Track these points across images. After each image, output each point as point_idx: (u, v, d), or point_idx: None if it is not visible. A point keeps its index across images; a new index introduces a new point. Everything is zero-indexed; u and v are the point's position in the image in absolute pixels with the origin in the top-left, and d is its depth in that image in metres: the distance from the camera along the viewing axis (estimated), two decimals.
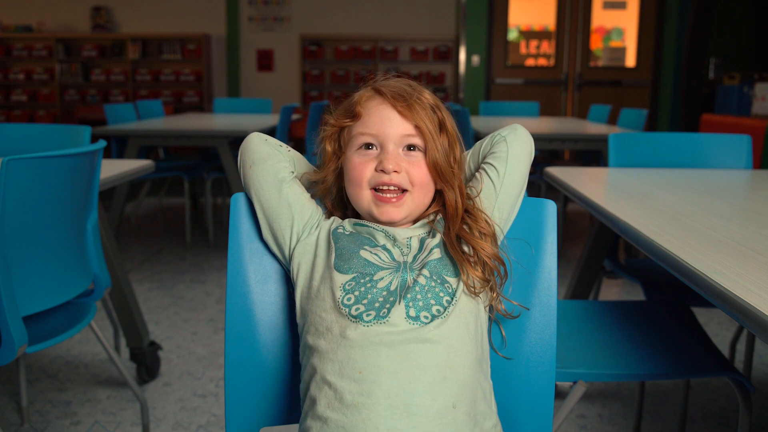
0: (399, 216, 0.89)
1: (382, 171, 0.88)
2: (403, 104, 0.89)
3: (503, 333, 0.94)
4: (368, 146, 0.90)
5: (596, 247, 1.91)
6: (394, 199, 0.89)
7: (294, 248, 0.91)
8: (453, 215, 0.89)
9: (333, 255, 0.86)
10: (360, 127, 0.91)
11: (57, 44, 6.95)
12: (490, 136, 0.97)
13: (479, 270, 0.85)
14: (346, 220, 0.93)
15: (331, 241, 0.88)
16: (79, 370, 2.25)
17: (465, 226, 0.89)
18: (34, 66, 7.06)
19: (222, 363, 1.96)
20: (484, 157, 0.95)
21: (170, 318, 2.76)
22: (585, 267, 1.94)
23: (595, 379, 1.28)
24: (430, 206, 0.94)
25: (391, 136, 0.89)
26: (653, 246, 1.02)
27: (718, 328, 2.67)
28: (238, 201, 0.98)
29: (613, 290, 3.19)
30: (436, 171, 0.90)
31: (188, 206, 3.99)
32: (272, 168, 0.92)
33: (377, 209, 0.89)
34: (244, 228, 0.97)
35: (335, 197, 0.98)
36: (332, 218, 0.94)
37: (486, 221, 0.90)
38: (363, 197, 0.90)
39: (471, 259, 0.86)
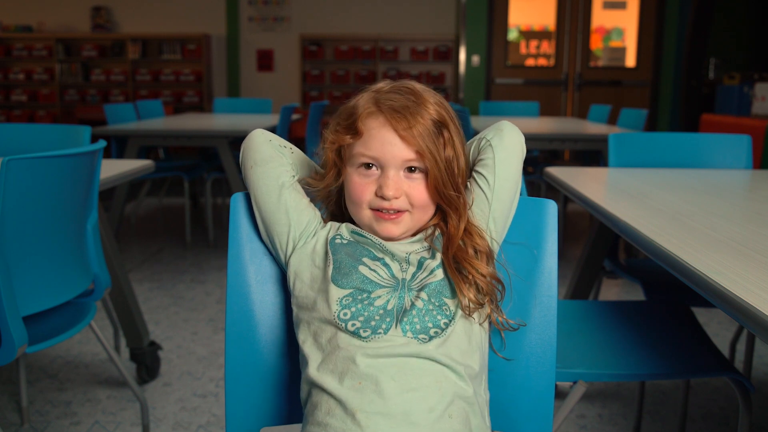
0: (398, 232, 0.89)
1: (382, 197, 0.87)
2: (405, 126, 0.86)
3: (503, 334, 0.94)
4: (369, 166, 0.89)
5: (596, 247, 1.91)
6: (393, 217, 0.88)
7: (290, 256, 0.91)
8: (453, 236, 0.88)
9: (331, 267, 0.86)
10: (360, 147, 0.88)
11: (57, 44, 6.94)
12: (477, 138, 0.94)
13: (472, 293, 0.85)
14: (344, 225, 0.92)
15: (329, 252, 0.87)
16: (79, 370, 2.25)
17: (460, 242, 0.88)
18: (34, 66, 7.06)
19: (222, 363, 1.96)
20: (473, 163, 0.94)
21: (170, 318, 2.75)
22: (585, 267, 1.94)
23: (595, 379, 1.28)
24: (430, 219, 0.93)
25: (391, 160, 0.87)
26: (653, 246, 1.02)
27: (718, 328, 2.67)
28: (238, 201, 0.97)
29: (613, 290, 3.19)
30: (438, 194, 0.88)
31: (188, 206, 3.99)
32: (273, 171, 0.92)
33: (377, 225, 0.89)
34: (244, 228, 0.97)
35: (334, 201, 0.97)
36: (329, 225, 0.93)
37: (480, 236, 0.89)
38: (363, 216, 0.90)
39: (466, 281, 0.85)
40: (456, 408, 0.78)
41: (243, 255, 0.96)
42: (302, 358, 0.85)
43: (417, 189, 0.88)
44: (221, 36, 7.02)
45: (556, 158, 5.26)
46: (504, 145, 0.91)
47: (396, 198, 0.87)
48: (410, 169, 0.88)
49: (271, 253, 0.96)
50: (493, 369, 0.92)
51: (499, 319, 0.90)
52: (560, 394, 1.96)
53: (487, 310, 0.87)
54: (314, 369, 0.81)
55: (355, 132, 0.89)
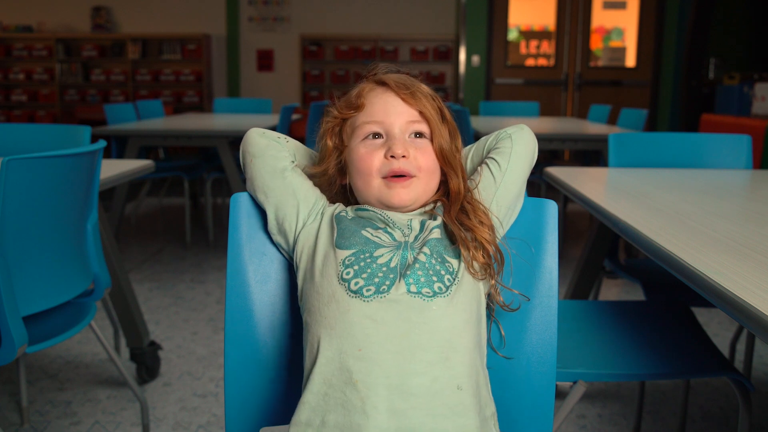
0: (409, 198, 0.89)
1: (392, 157, 0.88)
2: (406, 92, 0.90)
3: (502, 333, 0.94)
4: (374, 136, 0.90)
5: (596, 247, 1.91)
6: (403, 180, 0.89)
7: (299, 233, 0.91)
8: (455, 199, 0.90)
9: (335, 234, 0.86)
10: (364, 116, 0.91)
11: (57, 44, 6.94)
12: (496, 133, 0.97)
13: (479, 253, 0.85)
14: (349, 207, 0.93)
15: (334, 224, 0.88)
16: (79, 370, 2.25)
17: (465, 216, 0.89)
18: (34, 66, 7.05)
19: (222, 363, 1.96)
20: (488, 152, 0.96)
21: (170, 318, 2.75)
22: (585, 267, 1.94)
23: (595, 379, 1.28)
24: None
25: (396, 122, 0.90)
26: (653, 246, 1.02)
27: (718, 328, 2.67)
28: (238, 201, 0.97)
29: (613, 290, 3.19)
30: (442, 156, 0.91)
31: (188, 206, 3.99)
32: (272, 159, 0.93)
33: (389, 192, 0.89)
34: (244, 228, 0.97)
35: (335, 192, 0.97)
36: (337, 204, 0.94)
37: (484, 212, 0.90)
38: (373, 186, 0.90)
39: (471, 244, 0.86)
40: (465, 381, 0.77)
41: (243, 255, 0.96)
42: (305, 331, 0.84)
43: (424, 152, 0.90)
44: (221, 36, 7.02)
45: (556, 158, 5.26)
46: (523, 141, 0.94)
47: (405, 157, 0.88)
48: (415, 135, 0.91)
49: (275, 246, 0.95)
50: (493, 368, 0.92)
51: (499, 298, 0.89)
52: (560, 394, 1.96)
53: (490, 281, 0.87)
54: (315, 337, 0.80)
55: (357, 107, 0.92)
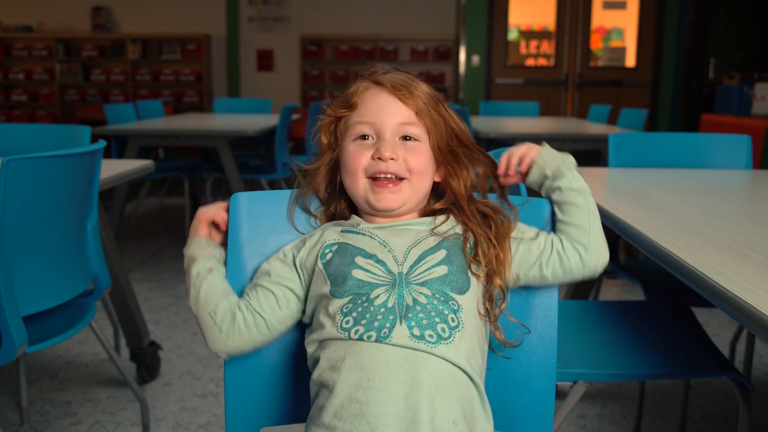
0: (397, 203, 0.88)
1: (379, 159, 0.87)
2: (404, 92, 0.88)
3: (503, 337, 0.94)
4: (365, 137, 0.89)
5: None
6: (391, 185, 0.87)
7: (306, 305, 0.90)
8: (461, 198, 0.89)
9: (328, 284, 0.84)
10: (357, 116, 0.90)
11: (57, 44, 6.94)
12: (585, 237, 0.91)
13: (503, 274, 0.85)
14: (330, 228, 0.91)
15: (323, 272, 0.85)
16: (79, 370, 2.25)
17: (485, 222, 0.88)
18: (34, 66, 7.05)
19: (222, 363, 1.96)
20: (562, 232, 0.91)
21: (170, 318, 2.75)
22: None
23: (595, 379, 1.28)
24: (438, 202, 0.92)
25: (388, 123, 0.88)
26: (653, 246, 1.02)
27: (718, 328, 2.67)
28: (238, 201, 0.97)
29: (613, 290, 3.19)
30: (441, 154, 0.89)
31: (188, 206, 3.99)
32: (221, 335, 0.89)
33: (374, 196, 0.87)
34: (243, 228, 0.97)
35: (328, 188, 0.96)
36: (306, 246, 0.89)
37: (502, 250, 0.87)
38: (359, 185, 0.88)
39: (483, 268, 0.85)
40: (461, 416, 0.77)
41: (243, 255, 0.96)
42: (312, 364, 0.84)
43: (415, 154, 0.88)
44: (221, 36, 7.02)
45: None
46: (587, 273, 0.90)
47: (393, 160, 0.86)
48: (406, 138, 0.89)
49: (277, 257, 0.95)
50: (493, 368, 0.92)
51: (498, 334, 0.89)
52: (560, 394, 1.95)
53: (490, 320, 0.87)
54: (324, 370, 0.80)
55: (350, 106, 0.91)
